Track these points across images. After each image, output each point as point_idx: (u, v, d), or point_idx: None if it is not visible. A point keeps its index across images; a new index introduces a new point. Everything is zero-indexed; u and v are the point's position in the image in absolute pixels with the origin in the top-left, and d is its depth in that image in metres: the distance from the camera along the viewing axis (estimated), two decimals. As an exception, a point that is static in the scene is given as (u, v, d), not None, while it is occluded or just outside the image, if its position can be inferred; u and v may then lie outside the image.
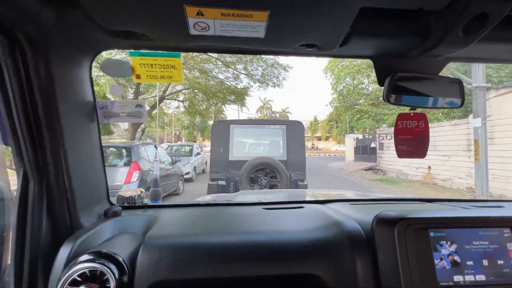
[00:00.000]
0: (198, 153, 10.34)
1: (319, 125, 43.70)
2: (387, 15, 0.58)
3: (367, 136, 17.27)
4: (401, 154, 0.81)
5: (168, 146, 10.74)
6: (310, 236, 0.70)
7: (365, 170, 12.80)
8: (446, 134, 8.27)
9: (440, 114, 13.89)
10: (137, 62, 0.69)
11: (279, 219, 0.83)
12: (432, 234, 0.63)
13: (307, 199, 1.13)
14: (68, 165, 0.64)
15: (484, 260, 0.63)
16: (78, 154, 0.68)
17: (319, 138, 42.08)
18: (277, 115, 50.35)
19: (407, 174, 10.06)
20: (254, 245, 0.67)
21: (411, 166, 9.97)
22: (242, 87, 12.24)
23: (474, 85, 5.96)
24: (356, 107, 23.09)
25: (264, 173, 3.77)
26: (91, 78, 0.71)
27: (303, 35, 0.61)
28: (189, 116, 16.84)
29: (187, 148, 10.38)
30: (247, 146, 4.54)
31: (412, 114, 0.80)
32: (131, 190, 1.01)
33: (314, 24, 0.55)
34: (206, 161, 11.49)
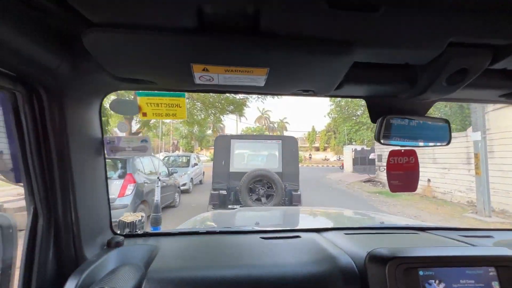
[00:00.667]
0: (196, 164, 10.24)
1: (317, 135, 44.22)
2: (378, 65, 0.64)
3: (365, 148, 17.70)
4: (394, 188, 0.87)
5: (166, 157, 10.64)
6: (306, 270, 0.74)
7: (364, 182, 12.83)
8: (446, 147, 8.30)
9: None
10: (144, 101, 0.75)
11: (276, 251, 0.87)
12: (421, 273, 0.67)
13: (303, 224, 1.17)
14: (76, 199, 0.68)
15: None
16: (85, 188, 0.72)
17: (317, 149, 42.32)
18: (275, 125, 50.88)
19: (406, 187, 10.10)
20: (253, 280, 0.71)
21: None
22: (241, 97, 12.42)
23: (473, 99, 6.05)
24: (354, 118, 23.34)
25: (261, 184, 4.16)
26: (100, 117, 0.76)
27: (299, 84, 0.68)
28: (187, 126, 16.91)
29: (184, 159, 10.30)
30: (246, 159, 4.94)
31: (402, 151, 0.86)
32: (132, 215, 1.04)
33: (310, 75, 0.62)
34: (204, 172, 11.50)
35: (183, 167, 9.44)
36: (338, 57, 0.53)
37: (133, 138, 0.77)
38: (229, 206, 4.18)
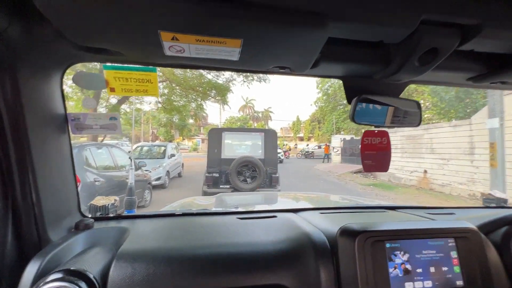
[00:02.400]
0: (173, 155, 9.97)
1: (301, 125, 45.54)
2: (353, 44, 0.71)
3: (354, 137, 17.97)
4: (367, 168, 0.97)
5: (137, 147, 10.34)
6: (280, 247, 0.82)
7: (354, 173, 13.25)
8: (445, 136, 8.62)
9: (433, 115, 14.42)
10: (111, 76, 0.77)
11: (251, 230, 0.95)
12: (388, 245, 0.78)
13: (281, 206, 1.29)
14: (37, 179, 0.70)
15: (431, 268, 0.79)
16: (48, 167, 0.74)
17: (302, 139, 43.55)
18: (260, 114, 51.71)
19: (399, 178, 10.52)
20: (225, 257, 0.77)
21: (404, 170, 10.39)
22: (224, 80, 12.30)
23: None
24: (341, 107, 23.78)
25: (247, 168, 5.62)
26: (62, 91, 0.78)
27: (275, 59, 0.73)
28: (166, 113, 16.52)
29: (160, 149, 9.94)
30: (234, 148, 6.31)
31: (376, 131, 0.97)
32: (104, 198, 1.06)
33: (285, 50, 0.67)
34: (183, 164, 11.40)
35: (158, 158, 9.21)
36: (312, 30, 0.57)
37: (101, 115, 0.80)
38: (221, 186, 5.58)
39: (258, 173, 5.54)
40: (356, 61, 0.76)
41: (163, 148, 9.97)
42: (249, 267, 0.77)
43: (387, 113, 0.88)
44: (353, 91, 0.87)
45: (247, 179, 5.60)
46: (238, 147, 6.39)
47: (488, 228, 0.95)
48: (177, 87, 12.16)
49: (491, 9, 0.57)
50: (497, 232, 0.93)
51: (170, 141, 17.28)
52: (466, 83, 0.92)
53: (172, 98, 12.74)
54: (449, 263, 0.81)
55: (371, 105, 0.86)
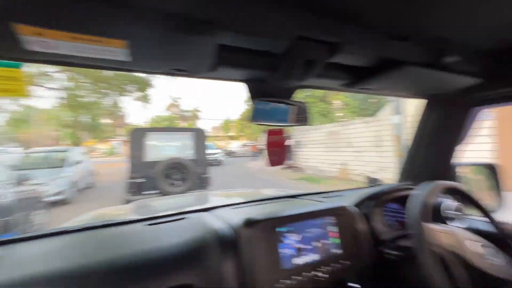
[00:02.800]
0: (77, 162, 8.30)
1: (231, 124, 46.68)
2: (247, 51, 0.79)
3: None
4: (273, 163, 1.13)
5: (26, 155, 8.20)
6: (187, 247, 0.85)
7: (284, 169, 13.92)
8: (359, 131, 9.88)
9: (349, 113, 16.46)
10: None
11: (159, 235, 0.95)
12: (278, 229, 0.90)
13: (194, 207, 1.31)
14: None
15: (316, 243, 0.95)
16: None
17: (232, 138, 44.83)
18: (189, 113, 51.05)
19: (323, 171, 11.59)
20: (129, 267, 0.76)
21: (326, 163, 11.47)
22: (143, 75, 11.29)
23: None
24: None
25: (176, 170, 5.35)
26: None
27: (169, 62, 0.77)
28: (71, 111, 14.06)
29: (59, 155, 7.93)
30: (160, 149, 5.98)
31: (277, 130, 1.15)
32: None
33: (177, 54, 0.70)
34: (96, 171, 9.88)
35: (56, 167, 7.35)
36: (201, 36, 0.61)
37: None
38: (146, 192, 5.14)
39: (189, 175, 5.38)
40: (251, 67, 0.85)
41: (63, 153, 8.08)
42: (155, 272, 0.77)
43: (281, 113, 1.00)
44: (253, 94, 0.98)
45: (175, 182, 5.33)
46: (164, 148, 6.06)
47: (360, 203, 1.18)
48: (84, 80, 10.59)
49: (348, 31, 0.74)
50: (364, 205, 1.17)
51: (77, 145, 14.35)
52: (341, 88, 1.13)
53: (78, 93, 11.03)
54: (326, 236, 0.98)
55: (268, 107, 0.97)
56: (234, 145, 29.61)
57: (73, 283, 0.69)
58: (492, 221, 1.00)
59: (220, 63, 0.79)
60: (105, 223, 1.10)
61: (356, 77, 1.01)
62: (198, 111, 54.09)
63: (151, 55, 0.71)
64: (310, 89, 1.15)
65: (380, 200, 1.21)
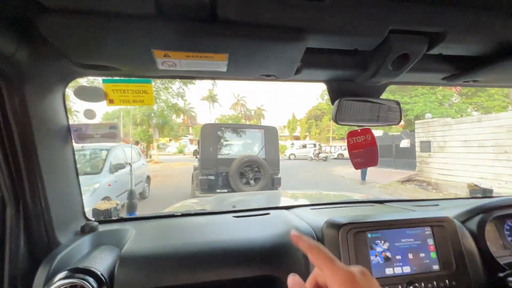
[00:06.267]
0: (124, 166, 5.81)
1: (297, 124, 45.02)
2: (332, 52, 0.79)
3: (389, 133, 14.93)
4: (357, 166, 1.05)
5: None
6: (272, 241, 0.93)
7: (402, 182, 10.29)
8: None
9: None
10: (109, 88, 0.85)
11: (246, 227, 1.06)
12: (369, 235, 0.88)
13: (275, 204, 1.38)
14: (45, 187, 0.78)
15: (409, 254, 0.89)
16: (54, 176, 0.83)
17: (298, 138, 43.00)
18: (252, 112, 51.51)
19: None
20: (221, 252, 0.88)
21: (489, 178, 7.55)
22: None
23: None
24: None
25: (250, 168, 5.24)
26: (64, 104, 0.86)
27: (260, 69, 0.81)
28: (142, 109, 14.43)
29: (97, 156, 5.71)
30: (232, 146, 5.93)
31: (359, 130, 1.05)
32: (106, 203, 1.15)
33: (268, 61, 0.74)
34: (148, 176, 8.02)
35: (91, 173, 5.21)
36: (292, 43, 0.63)
37: (101, 125, 0.89)
38: (217, 190, 5.01)
39: (263, 174, 5.25)
40: (335, 67, 0.84)
41: (103, 153, 5.74)
42: (244, 260, 0.87)
43: (368, 113, 0.96)
44: (336, 94, 0.95)
45: (250, 181, 5.25)
46: (236, 145, 5.98)
47: (464, 216, 1.06)
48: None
49: (453, 17, 0.64)
50: (473, 220, 1.03)
51: (137, 143, 13.63)
52: (441, 82, 1.01)
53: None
54: (426, 249, 0.90)
55: (352, 107, 0.94)
56: (297, 145, 27.48)
57: (181, 258, 0.85)
58: None
59: (304, 66, 0.80)
60: (200, 211, 1.28)
61: (461, 69, 0.89)
62: (263, 110, 54.77)
63: (245, 64, 0.75)
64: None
65: (498, 215, 1.05)
